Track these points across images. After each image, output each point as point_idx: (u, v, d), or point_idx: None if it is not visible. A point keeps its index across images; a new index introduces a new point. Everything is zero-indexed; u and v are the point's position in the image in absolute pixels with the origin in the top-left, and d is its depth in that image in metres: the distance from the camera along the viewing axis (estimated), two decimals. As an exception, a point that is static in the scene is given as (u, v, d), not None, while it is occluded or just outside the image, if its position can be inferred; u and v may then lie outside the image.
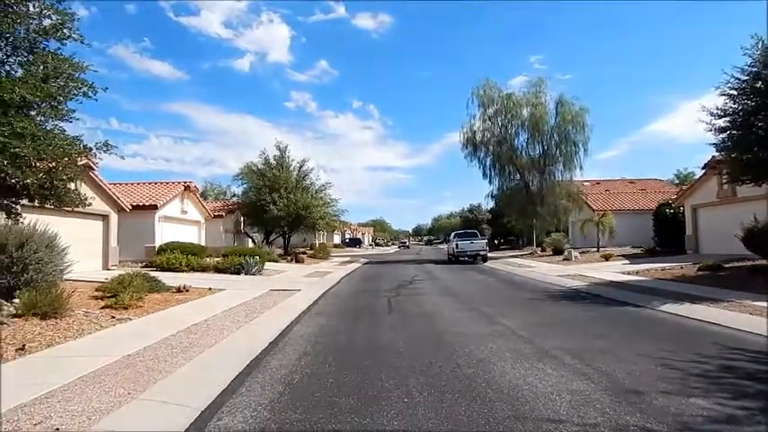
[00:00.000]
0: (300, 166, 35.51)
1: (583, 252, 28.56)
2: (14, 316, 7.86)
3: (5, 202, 8.03)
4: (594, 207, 34.53)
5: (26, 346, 6.43)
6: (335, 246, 61.45)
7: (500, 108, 34.61)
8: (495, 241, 55.09)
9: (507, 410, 4.24)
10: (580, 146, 33.47)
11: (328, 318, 9.81)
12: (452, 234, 36.19)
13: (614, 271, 18.26)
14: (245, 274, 19.20)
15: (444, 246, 59.51)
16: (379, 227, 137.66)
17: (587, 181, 42.39)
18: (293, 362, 6.21)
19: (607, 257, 24.21)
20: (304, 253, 34.27)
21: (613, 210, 33.21)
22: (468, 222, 64.75)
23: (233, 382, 5.26)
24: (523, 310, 10.32)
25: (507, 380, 5.17)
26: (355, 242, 78.58)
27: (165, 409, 4.43)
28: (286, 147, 35.36)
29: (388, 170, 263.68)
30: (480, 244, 31.09)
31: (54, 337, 7.12)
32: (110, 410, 4.24)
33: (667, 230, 26.14)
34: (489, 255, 31.70)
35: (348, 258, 38.54)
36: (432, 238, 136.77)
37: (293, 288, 14.77)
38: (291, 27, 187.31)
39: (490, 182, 36.21)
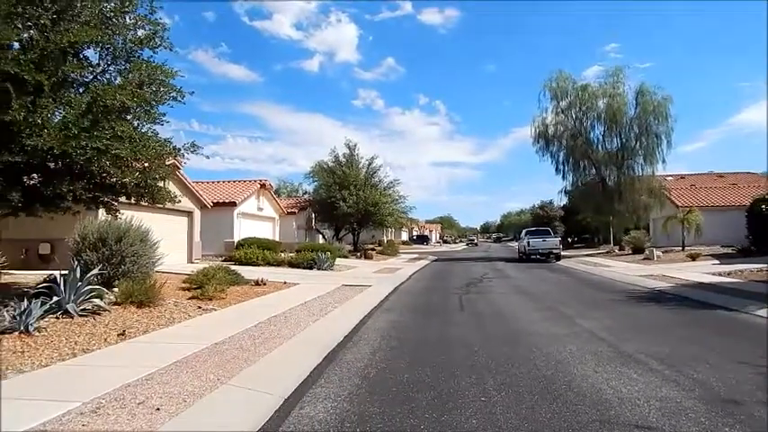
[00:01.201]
0: (369, 164, 36.09)
1: (666, 251, 26.88)
2: (114, 303, 8.56)
3: (106, 199, 8.75)
4: (679, 203, 32.35)
5: (126, 332, 7.00)
6: (403, 243, 61.70)
7: (574, 100, 33.24)
8: (569, 239, 53.03)
9: (591, 414, 4.09)
10: (662, 138, 31.55)
11: (400, 314, 9.90)
12: (523, 231, 35.27)
13: (702, 272, 17.03)
14: (317, 269, 19.75)
15: (514, 243, 58.19)
16: (446, 224, 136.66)
17: (670, 175, 39.86)
18: (368, 356, 6.33)
19: (693, 257, 22.61)
20: (373, 249, 34.71)
21: (700, 206, 30.97)
22: (539, 219, 62.73)
23: (312, 373, 5.44)
24: (603, 312, 9.87)
25: (589, 383, 4.99)
26: (423, 239, 78.57)
27: (251, 395, 4.67)
28: (355, 145, 36.07)
29: (454, 166, 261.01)
30: (553, 242, 30.08)
31: (149, 324, 7.71)
32: (202, 394, 4.53)
33: (763, 228, 23.96)
34: (563, 253, 30.62)
35: (416, 255, 38.60)
36: (501, 235, 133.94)
37: (364, 284, 15.02)
38: (359, 26, 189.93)
39: (563, 177, 34.95)
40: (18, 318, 6.41)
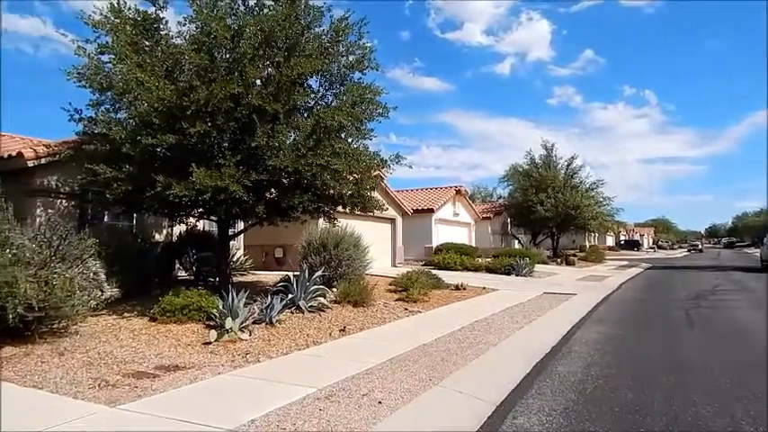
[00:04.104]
0: (568, 165, 33.94)
1: None
2: (334, 302, 9.58)
3: (326, 208, 9.88)
4: None
5: (346, 328, 7.77)
6: (609, 248, 56.42)
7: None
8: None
9: None
10: None
11: (613, 326, 9.03)
12: (768, 236, 29.11)
13: None
14: (516, 275, 19.25)
15: (753, 250, 48.58)
16: (661, 227, 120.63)
17: None
18: (581, 369, 5.91)
19: None
20: (574, 255, 32.50)
21: None
22: (790, 220, 51.16)
23: (522, 383, 5.28)
24: None
25: None
26: (632, 244, 70.77)
27: (463, 399, 4.73)
28: (552, 145, 34.32)
29: (669, 162, 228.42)
30: (813, 248, 24.19)
31: (364, 322, 8.43)
32: (417, 393, 4.75)
33: None
34: (829, 262, 24.41)
35: (625, 262, 34.97)
36: (733, 239, 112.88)
37: (568, 292, 14.12)
38: (551, 21, 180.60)
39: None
40: (264, 311, 7.62)
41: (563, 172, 33.60)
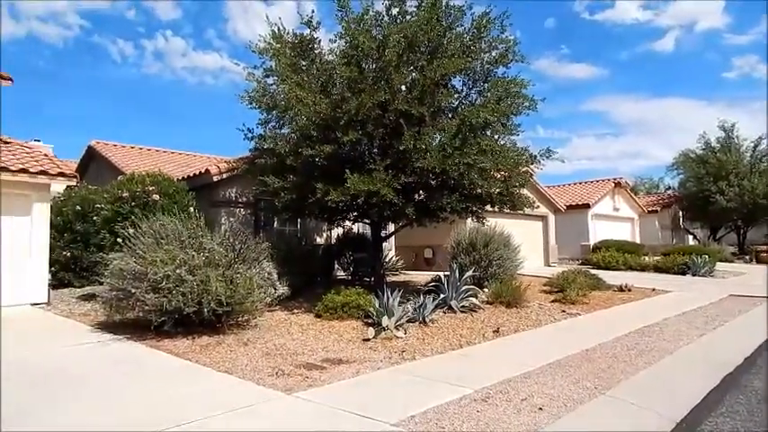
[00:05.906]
0: (755, 146, 29.05)
1: None
2: (486, 302, 9.43)
3: (474, 208, 9.77)
4: None
5: (500, 329, 7.60)
6: (817, 242, 46.92)
7: None
8: None
9: None
10: None
11: (828, 336, 7.49)
12: None
13: None
14: (692, 274, 17.02)
15: None
16: None
17: None
18: (786, 387, 5.01)
19: None
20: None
21: None
22: None
23: (707, 398, 4.65)
24: None
25: None
26: None
27: (635, 411, 4.31)
28: (732, 125, 29.66)
29: None
30: None
31: (518, 323, 8.16)
32: (581, 401, 4.45)
33: None
34: None
35: (841, 259, 28.79)
36: None
37: (761, 294, 12.06)
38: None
39: None
40: (417, 310, 7.80)
41: (748, 155, 28.92)
